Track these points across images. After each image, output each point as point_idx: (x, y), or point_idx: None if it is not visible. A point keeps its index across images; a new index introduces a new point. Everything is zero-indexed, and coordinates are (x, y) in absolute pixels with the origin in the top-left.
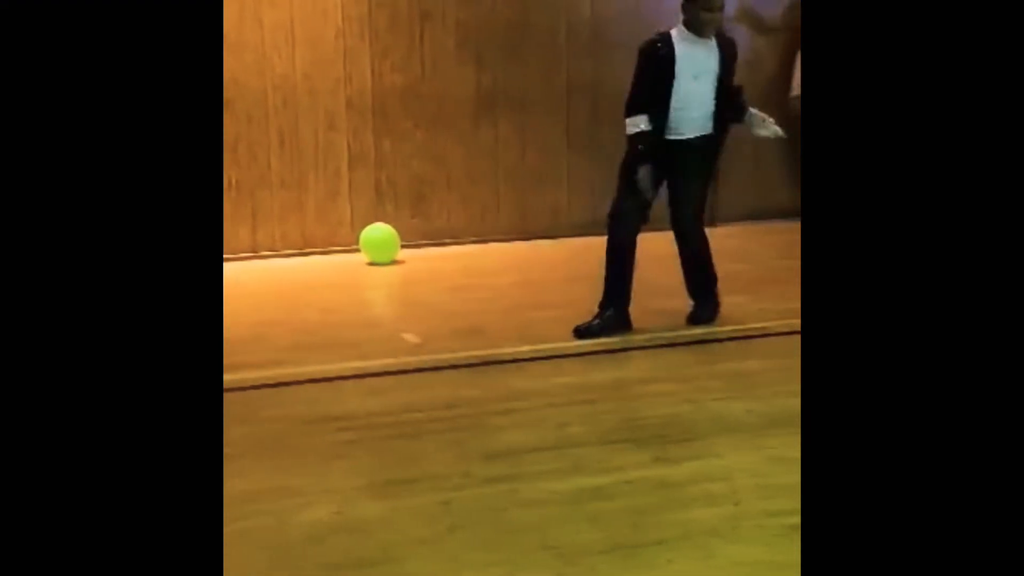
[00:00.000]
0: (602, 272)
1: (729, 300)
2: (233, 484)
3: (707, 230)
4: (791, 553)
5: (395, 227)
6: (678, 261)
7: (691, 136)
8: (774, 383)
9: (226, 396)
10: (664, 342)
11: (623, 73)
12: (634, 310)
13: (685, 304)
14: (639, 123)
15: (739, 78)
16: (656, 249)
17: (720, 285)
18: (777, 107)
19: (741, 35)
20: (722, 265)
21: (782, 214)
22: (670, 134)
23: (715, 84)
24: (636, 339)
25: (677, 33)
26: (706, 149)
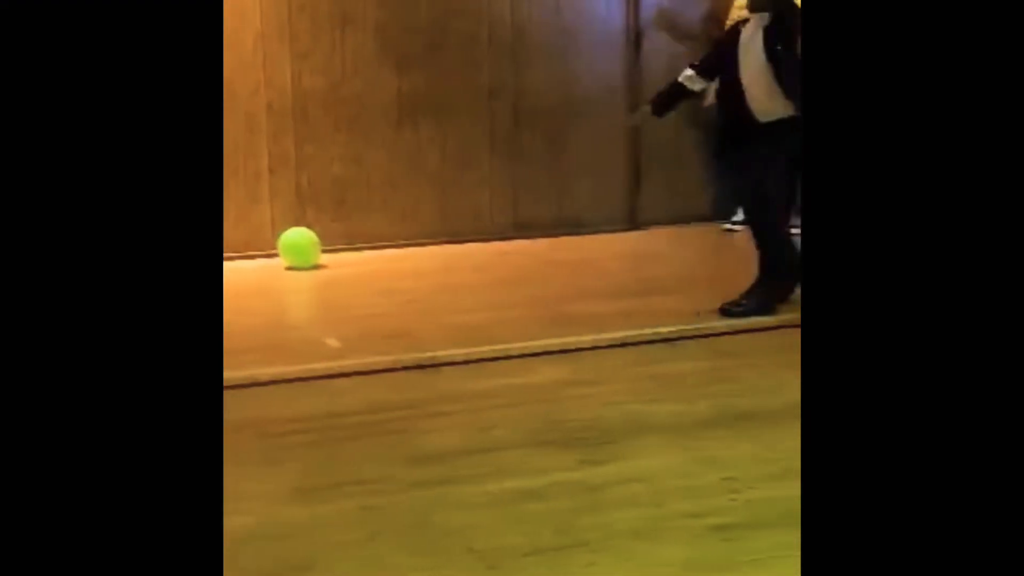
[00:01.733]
0: (527, 274)
1: (659, 302)
2: None
3: (630, 234)
4: (713, 553)
5: (316, 231)
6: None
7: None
8: (702, 384)
9: None
10: (591, 344)
11: (544, 77)
12: (556, 313)
13: (616, 306)
14: None
15: (656, 82)
16: (595, 249)
17: (649, 287)
18: (694, 117)
19: (661, 41)
20: (650, 268)
21: (702, 217)
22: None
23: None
24: (562, 342)
25: None
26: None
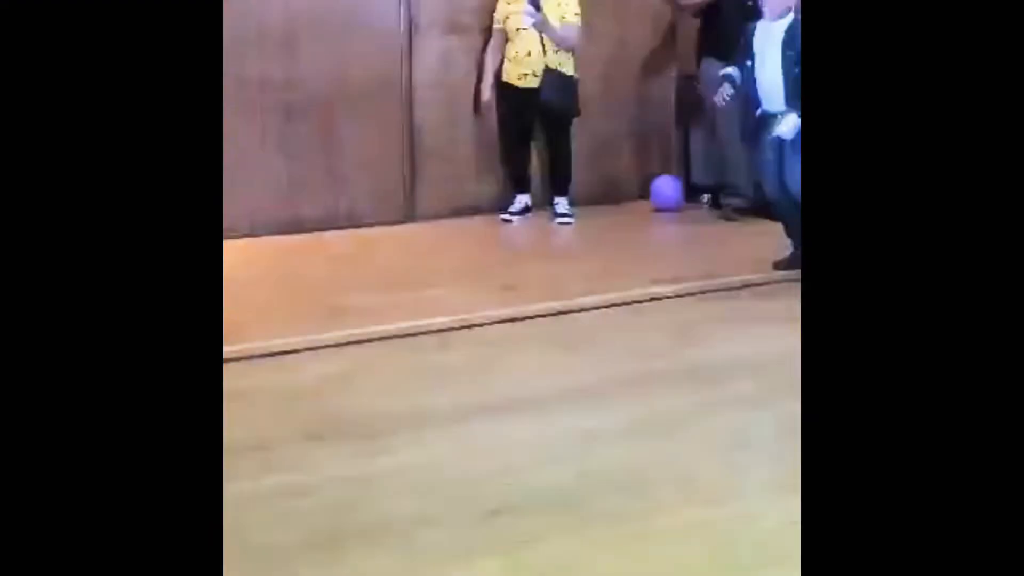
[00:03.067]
0: (302, 269)
1: (431, 295)
2: None
3: (407, 227)
4: (489, 537)
5: None
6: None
7: None
8: (471, 374)
9: None
10: (362, 338)
11: (316, 69)
12: (330, 308)
13: (390, 299)
14: None
15: (434, 80)
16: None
17: (424, 280)
18: (468, 110)
19: (433, 33)
20: (423, 261)
21: (476, 210)
22: None
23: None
24: (335, 336)
25: None
26: None
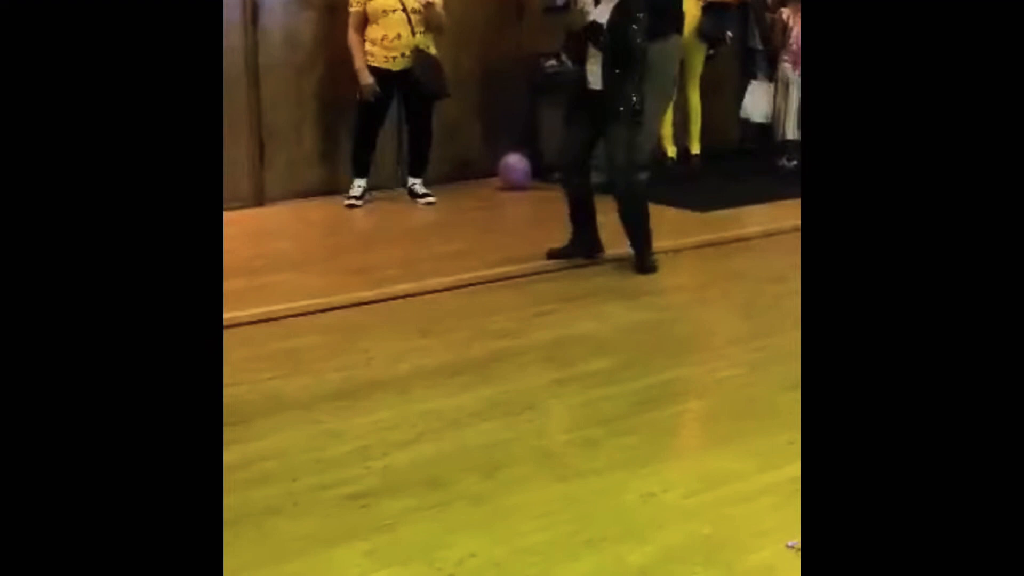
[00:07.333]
0: None
1: (276, 279)
2: None
3: (256, 211)
4: (348, 522)
5: None
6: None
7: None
8: (324, 359)
9: None
10: None
11: None
12: None
13: (234, 285)
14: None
15: (275, 57)
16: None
17: (271, 264)
18: (315, 90)
19: (278, 15)
20: (269, 244)
21: (325, 193)
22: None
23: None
24: None
25: None
26: None
